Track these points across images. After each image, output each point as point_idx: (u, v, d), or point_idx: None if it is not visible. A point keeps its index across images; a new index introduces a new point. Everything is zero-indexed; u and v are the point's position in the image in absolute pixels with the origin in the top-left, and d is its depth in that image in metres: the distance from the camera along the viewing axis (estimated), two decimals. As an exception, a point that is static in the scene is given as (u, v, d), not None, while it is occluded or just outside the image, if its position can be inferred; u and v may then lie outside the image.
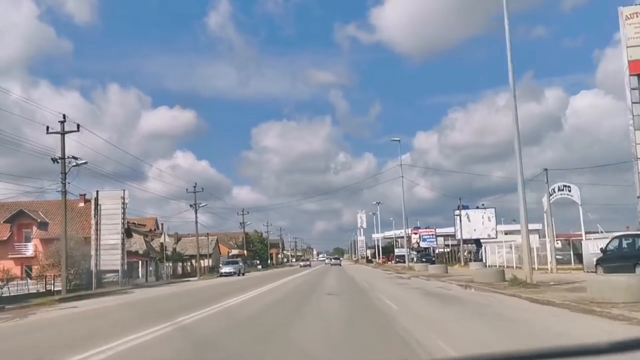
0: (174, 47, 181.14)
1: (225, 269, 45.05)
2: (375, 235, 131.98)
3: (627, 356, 1.24)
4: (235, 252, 79.26)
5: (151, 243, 64.89)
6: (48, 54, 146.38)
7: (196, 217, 53.84)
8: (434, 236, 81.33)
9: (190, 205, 53.97)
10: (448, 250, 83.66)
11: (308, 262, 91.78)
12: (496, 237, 50.35)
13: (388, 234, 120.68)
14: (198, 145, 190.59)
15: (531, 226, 70.09)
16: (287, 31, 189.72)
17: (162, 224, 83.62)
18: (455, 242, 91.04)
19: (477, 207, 50.59)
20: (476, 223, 49.25)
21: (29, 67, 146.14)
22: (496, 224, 49.92)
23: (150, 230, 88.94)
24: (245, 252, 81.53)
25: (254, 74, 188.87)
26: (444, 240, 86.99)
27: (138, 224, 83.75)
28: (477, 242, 50.31)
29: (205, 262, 68.32)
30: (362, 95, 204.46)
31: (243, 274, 46.85)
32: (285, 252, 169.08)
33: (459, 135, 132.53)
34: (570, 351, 1.23)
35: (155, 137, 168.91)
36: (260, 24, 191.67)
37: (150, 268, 46.90)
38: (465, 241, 77.37)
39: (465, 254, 57.83)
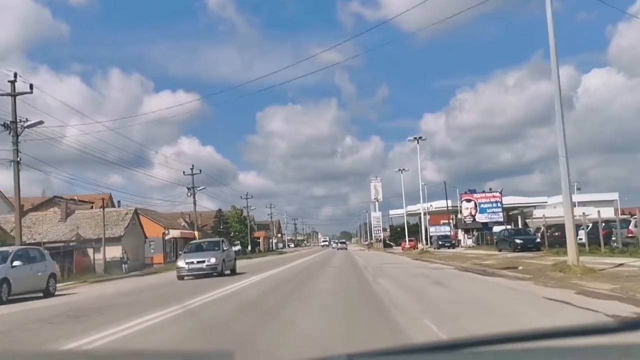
0: (176, 32, 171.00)
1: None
2: (392, 212, 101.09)
3: (636, 335, 1.16)
4: (175, 233, 48.65)
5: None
6: (45, 38, 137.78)
7: (16, 163, 23.01)
8: (499, 204, 50.15)
9: (4, 125, 23.16)
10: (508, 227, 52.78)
11: (201, 261, 21.31)
12: None
13: (411, 208, 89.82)
14: (203, 130, 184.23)
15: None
16: (289, 10, 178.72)
17: (118, 202, 56.18)
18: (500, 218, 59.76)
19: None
20: None
21: (27, 52, 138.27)
22: None
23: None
24: (196, 233, 50.96)
25: (257, 57, 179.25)
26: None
27: (80, 201, 54.72)
28: None
29: (111, 252, 37.89)
30: (368, 77, 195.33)
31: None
32: (280, 235, 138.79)
33: (467, 116, 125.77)
34: (579, 330, 1.19)
35: (159, 122, 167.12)
36: (262, 2, 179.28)
37: None
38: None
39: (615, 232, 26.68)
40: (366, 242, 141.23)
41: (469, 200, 50.84)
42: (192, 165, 51.94)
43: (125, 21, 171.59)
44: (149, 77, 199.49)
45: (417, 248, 61.60)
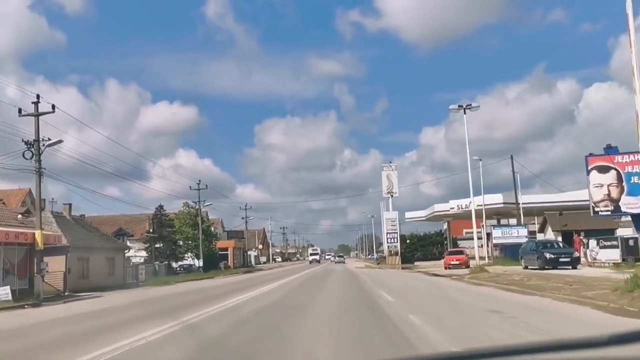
0: (175, 44, 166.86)
1: None
2: (409, 215, 73.63)
3: (626, 349, 1.21)
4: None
5: None
6: (41, 47, 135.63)
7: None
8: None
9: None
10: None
11: None
12: None
13: (439, 208, 63.13)
14: (201, 143, 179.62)
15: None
16: (289, 20, 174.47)
17: (52, 202, 42.60)
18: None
19: None
20: None
21: (23, 61, 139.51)
22: None
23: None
24: (37, 233, 24.29)
25: (256, 69, 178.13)
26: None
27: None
28: None
29: None
30: (368, 89, 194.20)
31: None
32: (262, 247, 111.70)
33: (467, 129, 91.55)
34: (569, 344, 1.24)
35: (157, 135, 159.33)
36: (262, 11, 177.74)
37: None
38: None
39: None
40: (370, 257, 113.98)
41: (604, 169, 24.36)
42: (53, 107, 25.34)
43: (124, 33, 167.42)
44: (147, 88, 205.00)
45: (468, 264, 35.45)
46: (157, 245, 55.75)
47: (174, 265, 54.19)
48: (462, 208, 57.65)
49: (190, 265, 49.98)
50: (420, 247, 76.97)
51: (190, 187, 54.31)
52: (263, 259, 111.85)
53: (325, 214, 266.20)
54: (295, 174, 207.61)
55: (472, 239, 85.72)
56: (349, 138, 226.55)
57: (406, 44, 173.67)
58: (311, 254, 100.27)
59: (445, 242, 77.92)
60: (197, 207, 59.17)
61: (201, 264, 52.95)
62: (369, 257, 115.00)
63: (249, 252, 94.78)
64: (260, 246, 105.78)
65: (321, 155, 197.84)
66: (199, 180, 54.49)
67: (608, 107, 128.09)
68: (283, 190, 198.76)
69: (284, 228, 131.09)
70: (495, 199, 54.99)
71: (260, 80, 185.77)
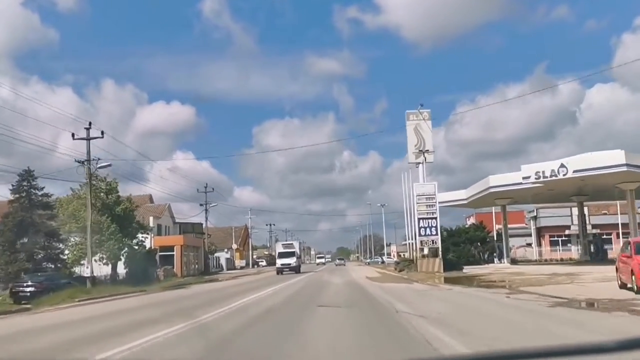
0: (172, 43, 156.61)
1: None
2: (445, 195, 48.17)
3: (633, 355, 1.21)
4: None
5: None
6: (34, 46, 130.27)
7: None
8: None
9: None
10: None
11: None
12: None
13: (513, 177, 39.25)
14: (198, 144, 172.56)
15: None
16: (287, 18, 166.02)
17: None
18: None
19: None
20: None
21: (15, 60, 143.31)
22: None
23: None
24: None
25: (254, 70, 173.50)
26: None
27: None
28: None
29: None
30: (367, 89, 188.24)
31: None
32: (238, 248, 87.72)
33: (467, 131, 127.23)
34: (576, 349, 1.23)
35: (153, 136, 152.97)
36: (259, 8, 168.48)
37: None
38: None
39: None
40: (374, 260, 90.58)
41: None
42: None
43: (118, 31, 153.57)
44: (142, 89, 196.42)
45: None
46: (23, 241, 32.03)
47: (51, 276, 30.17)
48: (546, 177, 33.98)
49: (49, 279, 25.56)
50: (452, 246, 51.32)
51: (73, 135, 30.43)
52: (242, 262, 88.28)
53: (324, 217, 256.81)
54: (294, 175, 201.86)
55: (512, 235, 60.79)
56: (348, 139, 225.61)
57: (406, 42, 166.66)
58: (280, 255, 49.45)
59: (488, 239, 54.94)
60: (113, 179, 35.94)
61: (88, 271, 29.02)
62: (373, 260, 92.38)
63: (216, 254, 70.88)
64: (235, 246, 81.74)
65: (320, 157, 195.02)
66: (90, 123, 30.47)
67: (610, 108, 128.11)
68: (281, 192, 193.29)
69: (270, 225, 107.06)
70: (608, 159, 31.51)
71: (258, 81, 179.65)
